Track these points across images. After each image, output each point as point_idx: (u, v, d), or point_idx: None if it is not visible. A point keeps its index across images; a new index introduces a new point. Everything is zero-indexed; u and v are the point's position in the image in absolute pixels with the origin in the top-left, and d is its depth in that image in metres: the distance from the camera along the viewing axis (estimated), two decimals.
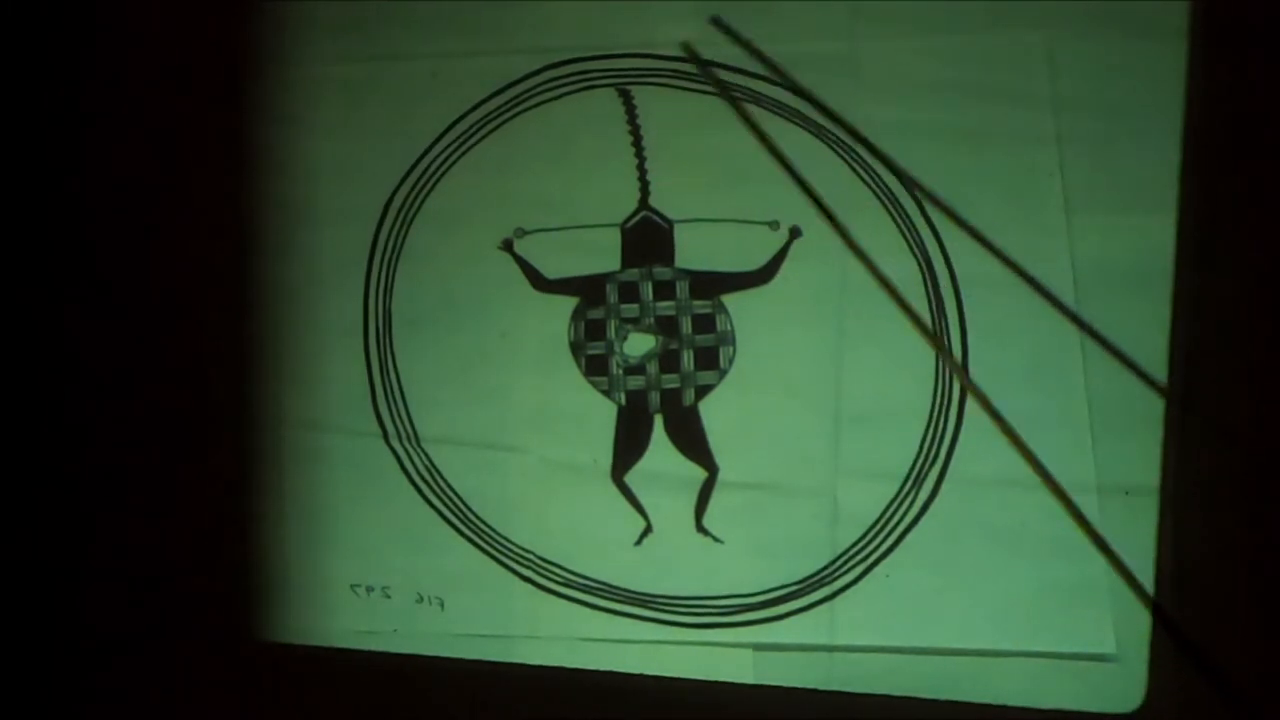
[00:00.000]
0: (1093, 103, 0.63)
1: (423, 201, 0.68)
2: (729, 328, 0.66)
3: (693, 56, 0.63)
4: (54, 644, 0.70)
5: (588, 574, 0.67)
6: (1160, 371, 0.63)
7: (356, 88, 0.68)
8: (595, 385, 0.67)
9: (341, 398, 0.68)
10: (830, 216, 0.63)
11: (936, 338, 0.63)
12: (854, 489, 0.65)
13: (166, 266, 0.69)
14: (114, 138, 0.69)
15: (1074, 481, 0.63)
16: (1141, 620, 0.63)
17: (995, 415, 0.64)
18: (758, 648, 0.66)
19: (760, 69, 0.66)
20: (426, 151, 0.68)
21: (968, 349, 0.64)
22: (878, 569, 0.65)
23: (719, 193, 0.66)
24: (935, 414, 0.64)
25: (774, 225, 0.65)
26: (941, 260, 0.65)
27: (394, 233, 0.68)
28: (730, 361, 0.66)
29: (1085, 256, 0.63)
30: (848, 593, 0.65)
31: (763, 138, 0.58)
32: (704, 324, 0.66)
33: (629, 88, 0.67)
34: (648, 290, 0.67)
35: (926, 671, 0.64)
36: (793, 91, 0.65)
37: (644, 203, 0.67)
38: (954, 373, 0.62)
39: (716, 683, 0.66)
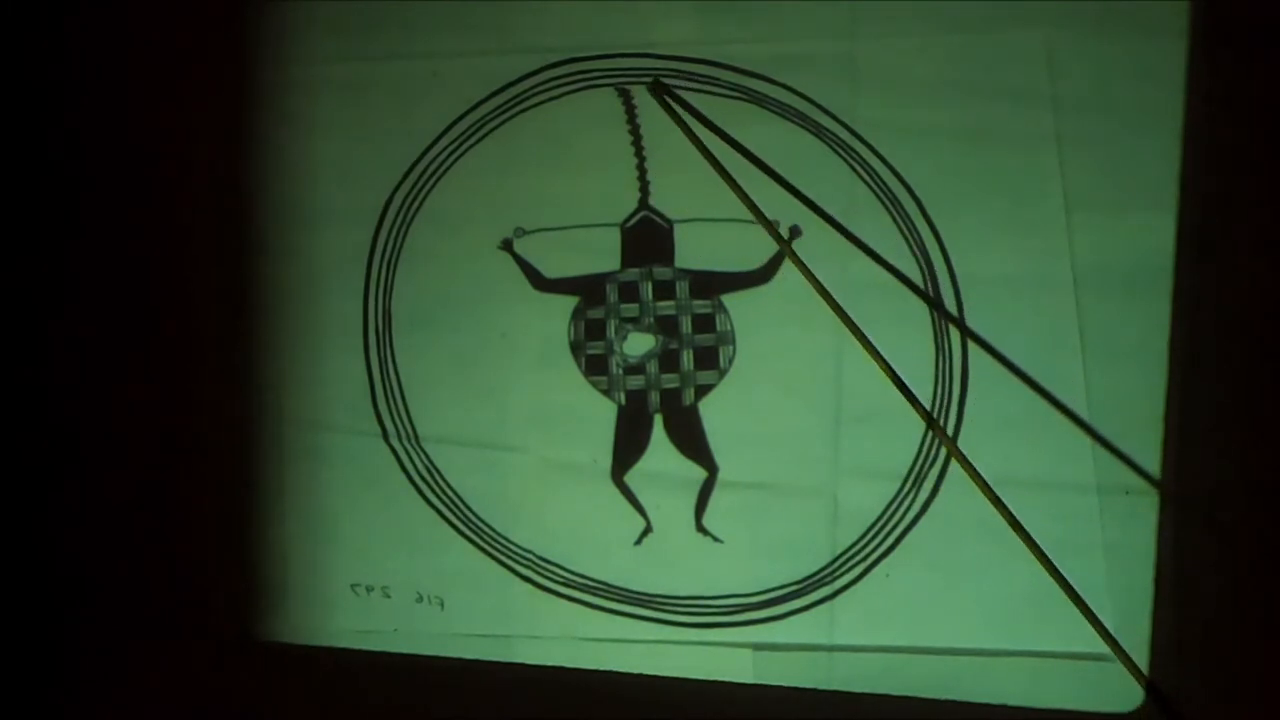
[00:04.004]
0: (1093, 102, 0.63)
1: (422, 201, 0.67)
2: (729, 328, 0.66)
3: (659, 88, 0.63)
4: (54, 644, 0.70)
5: (588, 574, 0.67)
6: (1160, 371, 0.63)
7: (356, 88, 0.68)
8: (595, 385, 0.67)
9: (341, 397, 0.68)
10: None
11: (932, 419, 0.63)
12: (854, 489, 0.65)
13: (166, 266, 0.69)
14: (113, 137, 0.69)
15: (1074, 482, 0.63)
16: (1142, 620, 0.63)
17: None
18: (757, 647, 0.66)
19: (760, 69, 0.66)
20: (426, 151, 0.67)
21: (968, 349, 0.64)
22: (878, 569, 0.65)
23: (719, 193, 0.66)
24: (935, 414, 0.64)
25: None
26: (941, 260, 0.64)
27: (393, 233, 0.68)
28: (730, 361, 0.66)
29: (1085, 256, 0.63)
30: (847, 592, 0.65)
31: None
32: (704, 324, 0.66)
33: (629, 88, 0.67)
34: (648, 290, 0.67)
35: (926, 671, 0.64)
36: (793, 91, 0.65)
37: (644, 203, 0.67)
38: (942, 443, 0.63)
39: (716, 683, 0.66)
